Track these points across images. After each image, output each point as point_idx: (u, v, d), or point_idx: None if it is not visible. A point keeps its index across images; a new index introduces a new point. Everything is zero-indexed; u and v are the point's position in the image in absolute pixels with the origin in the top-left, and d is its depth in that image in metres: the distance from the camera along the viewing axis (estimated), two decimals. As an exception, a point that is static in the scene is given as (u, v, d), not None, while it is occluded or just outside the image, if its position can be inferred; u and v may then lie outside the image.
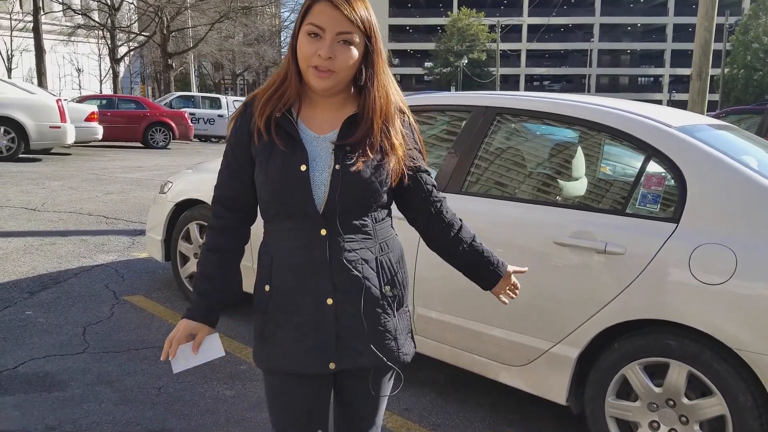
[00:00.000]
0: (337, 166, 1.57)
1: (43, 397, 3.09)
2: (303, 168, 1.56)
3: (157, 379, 3.31)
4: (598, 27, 73.99)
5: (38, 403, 3.02)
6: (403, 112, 1.69)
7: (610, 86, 74.96)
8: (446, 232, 1.79)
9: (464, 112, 3.44)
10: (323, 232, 1.58)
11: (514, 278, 1.88)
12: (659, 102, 67.98)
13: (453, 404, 3.28)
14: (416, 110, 3.76)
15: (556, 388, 2.83)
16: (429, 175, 1.75)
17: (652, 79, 77.49)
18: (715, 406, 2.43)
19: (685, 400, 2.50)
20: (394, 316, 1.68)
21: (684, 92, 57.23)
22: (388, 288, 1.67)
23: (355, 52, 1.55)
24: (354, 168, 1.56)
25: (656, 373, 2.58)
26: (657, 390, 2.56)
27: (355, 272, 1.60)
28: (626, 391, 2.67)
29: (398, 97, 1.67)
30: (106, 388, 3.21)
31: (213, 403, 3.12)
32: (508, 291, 1.90)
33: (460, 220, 1.83)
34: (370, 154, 1.59)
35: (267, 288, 1.63)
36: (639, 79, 78.13)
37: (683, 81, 66.83)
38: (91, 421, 2.91)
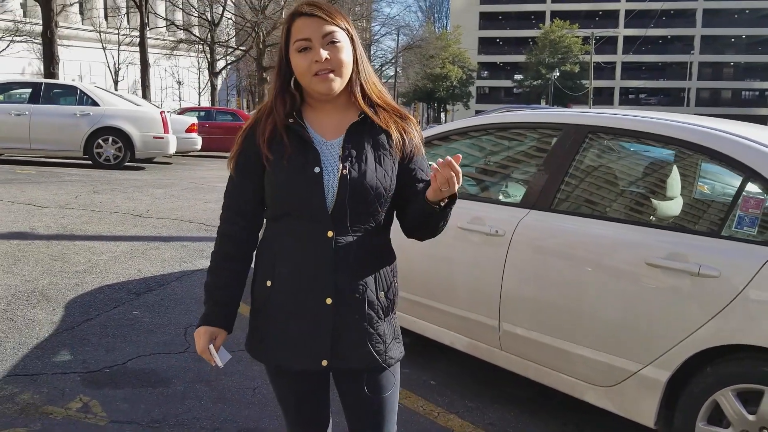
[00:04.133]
0: (345, 171, 1.66)
1: (149, 391, 3.31)
2: (316, 170, 1.66)
3: (252, 381, 3.49)
4: (699, 39, 71.18)
5: (144, 398, 3.25)
6: (406, 117, 1.79)
7: (711, 100, 71.80)
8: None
9: (555, 130, 3.46)
10: (330, 233, 1.66)
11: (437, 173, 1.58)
12: (764, 117, 64.58)
13: (538, 421, 3.29)
14: (507, 127, 3.82)
15: (644, 411, 2.79)
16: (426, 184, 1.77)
17: (757, 93, 73.69)
18: (813, 437, 2.35)
19: (781, 430, 2.43)
20: (384, 321, 1.76)
21: (792, 107, 54.24)
22: (382, 294, 1.75)
23: (346, 49, 1.68)
24: (362, 173, 1.66)
25: (750, 401, 2.51)
26: (750, 418, 2.49)
27: (356, 275, 1.69)
28: (718, 417, 2.61)
29: (386, 94, 1.78)
30: (205, 386, 3.41)
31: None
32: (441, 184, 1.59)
33: None
34: (376, 159, 1.69)
35: (269, 283, 1.71)
36: (743, 93, 74.48)
37: (791, 95, 63.34)
38: (192, 416, 3.10)
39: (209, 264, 1.82)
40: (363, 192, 1.67)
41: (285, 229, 1.70)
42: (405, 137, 1.76)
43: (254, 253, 1.82)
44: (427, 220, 1.71)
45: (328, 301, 1.68)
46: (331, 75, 1.66)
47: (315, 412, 1.88)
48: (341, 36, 1.67)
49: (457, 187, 1.58)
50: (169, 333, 4.08)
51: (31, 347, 3.72)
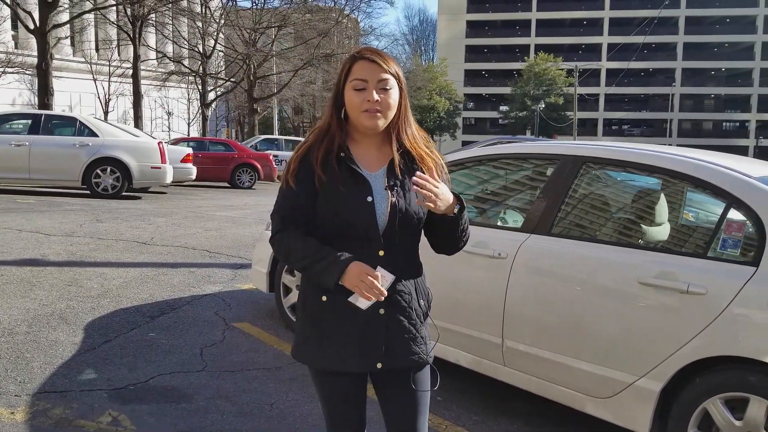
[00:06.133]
0: (394, 200, 1.93)
1: (173, 407, 3.50)
2: (369, 199, 1.92)
3: (269, 397, 3.68)
4: (680, 71, 72.69)
5: (169, 412, 3.43)
6: (435, 158, 2.04)
7: (693, 131, 73.12)
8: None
9: (553, 160, 3.73)
10: (381, 252, 1.92)
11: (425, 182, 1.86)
12: (745, 148, 65.78)
13: (540, 432, 3.50)
14: (507, 158, 4.09)
15: (640, 420, 3.00)
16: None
17: (737, 124, 75.19)
18: (794, 439, 2.58)
19: (765, 433, 2.65)
20: (423, 325, 2.04)
21: (771, 138, 55.27)
22: (423, 302, 2.04)
23: (395, 94, 1.96)
24: (407, 202, 1.94)
25: (737, 408, 2.73)
26: (737, 423, 2.71)
27: (403, 288, 1.96)
28: (708, 425, 2.83)
29: (422, 138, 2.04)
30: (225, 402, 3.59)
31: (320, 419, 3.44)
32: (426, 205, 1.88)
33: None
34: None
35: (324, 298, 1.94)
36: (724, 124, 75.96)
37: (771, 126, 64.64)
38: (216, 429, 3.29)
39: (290, 263, 1.96)
40: (409, 217, 1.95)
41: (339, 250, 1.91)
42: (434, 173, 2.02)
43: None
44: (447, 233, 2.00)
45: (381, 311, 1.93)
46: (378, 114, 1.93)
47: (356, 412, 2.09)
48: (393, 83, 1.94)
49: (444, 199, 1.87)
50: (186, 353, 4.27)
51: (57, 366, 3.89)
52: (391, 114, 1.96)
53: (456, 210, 1.94)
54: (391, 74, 1.94)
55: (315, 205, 1.95)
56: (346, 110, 1.97)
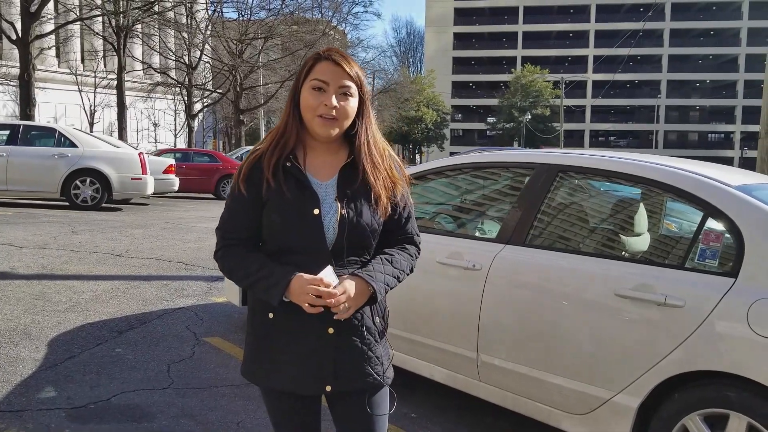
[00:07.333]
0: (344, 211, 1.79)
1: (134, 426, 3.35)
2: (316, 212, 1.78)
3: (236, 415, 3.54)
4: (665, 83, 73.35)
5: (130, 432, 3.29)
6: (396, 181, 1.89)
7: (678, 142, 73.68)
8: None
9: (528, 169, 3.64)
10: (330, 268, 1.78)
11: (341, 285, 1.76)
12: (730, 159, 66.30)
13: (515, 450, 3.38)
14: (481, 167, 4.00)
15: (617, 437, 2.91)
16: (409, 221, 1.95)
17: (722, 135, 75.85)
18: (775, 458, 2.47)
19: (745, 451, 2.55)
20: (380, 344, 1.89)
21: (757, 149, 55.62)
22: (378, 319, 1.89)
23: (354, 102, 1.82)
24: (358, 213, 1.80)
25: (716, 424, 2.63)
26: (717, 441, 2.62)
27: None
28: (687, 442, 2.74)
29: (383, 143, 1.91)
30: (190, 421, 3.45)
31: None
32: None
33: (410, 248, 1.96)
34: (369, 199, 1.83)
35: (271, 315, 1.81)
36: (709, 135, 76.59)
37: (756, 137, 65.25)
38: (177, 450, 3.15)
39: (233, 280, 1.86)
40: (360, 229, 1.81)
41: (286, 265, 1.78)
42: (392, 186, 1.88)
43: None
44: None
45: (330, 330, 1.79)
46: (334, 122, 1.80)
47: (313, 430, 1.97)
48: (354, 91, 1.81)
49: (356, 301, 1.75)
50: (153, 369, 4.12)
51: (15, 384, 3.74)
52: (347, 123, 1.83)
53: (371, 293, 1.79)
54: (354, 81, 1.81)
55: (262, 218, 1.83)
56: (300, 111, 1.84)
